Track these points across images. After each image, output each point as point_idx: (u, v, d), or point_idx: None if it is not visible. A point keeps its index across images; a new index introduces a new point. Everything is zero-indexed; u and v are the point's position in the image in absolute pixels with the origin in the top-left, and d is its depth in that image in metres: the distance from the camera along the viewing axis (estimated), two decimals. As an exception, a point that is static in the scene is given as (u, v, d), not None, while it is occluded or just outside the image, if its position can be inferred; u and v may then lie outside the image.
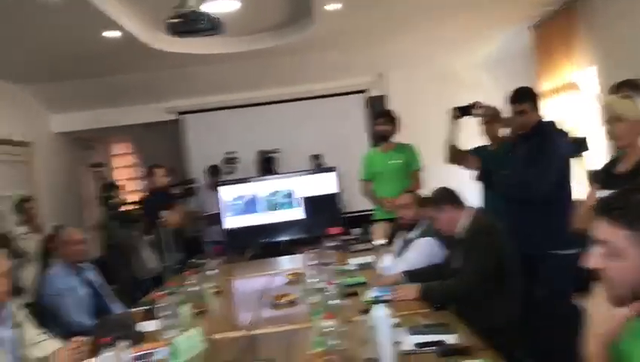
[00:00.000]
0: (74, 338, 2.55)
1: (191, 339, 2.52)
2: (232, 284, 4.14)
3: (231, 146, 6.88)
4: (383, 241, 4.18)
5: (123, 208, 4.88)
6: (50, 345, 2.73)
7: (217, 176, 6.55)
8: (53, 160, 7.15)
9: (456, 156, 3.95)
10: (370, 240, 4.96)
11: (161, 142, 7.64)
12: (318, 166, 6.56)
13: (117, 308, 3.87)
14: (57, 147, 7.35)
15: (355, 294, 3.08)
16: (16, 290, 2.77)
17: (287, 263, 4.80)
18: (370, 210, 5.39)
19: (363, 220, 5.78)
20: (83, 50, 5.32)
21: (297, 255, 5.11)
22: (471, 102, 3.86)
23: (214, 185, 6.33)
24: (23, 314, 2.76)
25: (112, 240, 4.56)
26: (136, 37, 5.11)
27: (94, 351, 2.52)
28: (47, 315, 3.38)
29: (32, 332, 2.75)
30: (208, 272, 3.88)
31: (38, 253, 5.00)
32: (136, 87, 6.72)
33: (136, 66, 6.19)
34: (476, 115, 3.82)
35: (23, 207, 5.24)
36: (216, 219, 6.16)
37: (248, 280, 4.33)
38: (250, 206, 5.78)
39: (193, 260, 5.31)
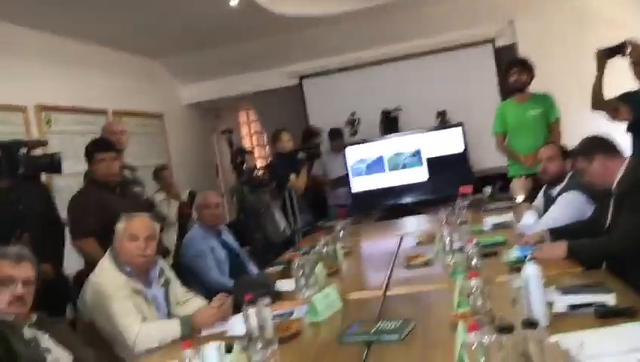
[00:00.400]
0: (217, 296, 2.66)
1: (328, 298, 2.53)
2: (360, 246, 4.12)
3: (353, 107, 6.83)
4: (522, 198, 3.95)
5: (253, 173, 5.01)
6: (195, 302, 2.88)
7: (340, 138, 6.54)
8: (184, 130, 7.53)
9: (604, 104, 3.61)
10: (503, 199, 4.73)
11: (283, 108, 7.77)
12: (444, 123, 6.32)
13: (252, 269, 4.02)
14: (187, 117, 7.72)
15: (495, 254, 2.93)
16: (163, 252, 2.93)
17: (415, 224, 4.70)
18: (501, 167, 5.13)
19: (494, 178, 5.52)
20: (209, 20, 5.47)
21: (425, 216, 5.00)
22: (619, 42, 3.49)
23: (338, 148, 6.33)
24: (172, 273, 2.93)
25: (244, 204, 4.71)
26: (257, 2, 5.17)
27: (236, 309, 2.62)
28: (188, 275, 3.57)
29: (179, 290, 2.91)
30: (338, 233, 3.89)
31: (177, 218, 5.33)
32: (258, 53, 6.85)
33: (257, 33, 6.29)
34: (627, 56, 3.44)
35: (160, 175, 5.57)
36: (340, 181, 6.17)
37: (377, 242, 4.30)
38: (375, 167, 5.71)
39: (320, 223, 5.40)
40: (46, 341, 2.24)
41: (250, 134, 9.92)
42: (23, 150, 3.01)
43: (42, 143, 3.22)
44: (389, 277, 2.94)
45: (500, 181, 5.28)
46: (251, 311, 2.08)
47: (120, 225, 2.71)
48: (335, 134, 6.58)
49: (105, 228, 3.48)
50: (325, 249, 3.50)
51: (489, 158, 6.03)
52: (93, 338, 2.59)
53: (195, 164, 7.47)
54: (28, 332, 2.18)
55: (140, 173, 4.59)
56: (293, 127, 6.18)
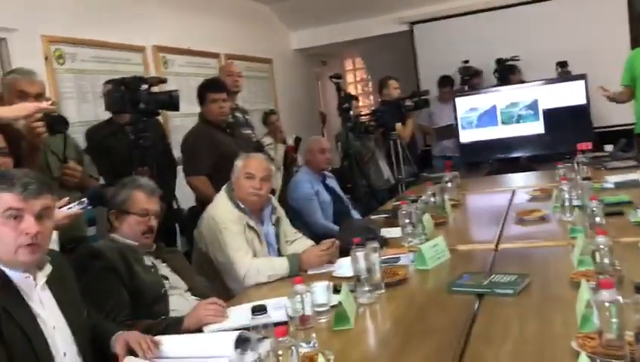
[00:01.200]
0: (325, 240, 2.69)
1: (436, 247, 2.48)
2: (469, 199, 4.00)
3: (465, 55, 6.53)
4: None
5: (359, 120, 4.97)
6: (303, 243, 2.93)
7: (450, 87, 6.31)
8: (291, 75, 7.58)
9: None
10: (628, 157, 4.39)
11: (391, 55, 7.59)
12: (564, 74, 5.90)
13: (355, 215, 4.03)
14: (295, 63, 7.75)
15: (620, 214, 2.73)
16: (272, 192, 2.98)
17: (528, 180, 4.48)
18: (627, 125, 4.75)
19: (616, 135, 5.12)
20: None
21: (538, 172, 4.75)
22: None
23: (447, 97, 6.11)
24: (282, 212, 2.99)
25: (349, 150, 4.69)
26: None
27: (341, 253, 2.64)
28: (293, 217, 3.63)
29: (288, 229, 2.97)
30: (445, 185, 3.79)
31: (283, 161, 5.42)
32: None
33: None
34: None
35: (269, 120, 5.66)
36: (446, 132, 5.98)
37: (486, 196, 4.14)
38: (487, 118, 5.45)
39: (425, 174, 5.29)
40: (164, 269, 2.37)
41: (356, 81, 9.82)
42: (144, 86, 3.14)
43: (162, 80, 3.33)
44: (500, 231, 2.83)
45: (624, 139, 4.90)
46: (360, 254, 2.08)
47: (238, 163, 2.78)
48: (445, 82, 6.34)
49: (216, 166, 3.63)
50: (433, 199, 3.43)
51: (612, 114, 5.60)
52: (206, 268, 2.72)
53: (300, 110, 7.53)
54: (148, 260, 2.32)
55: (248, 117, 4.68)
56: (400, 74, 6.03)
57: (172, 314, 2.19)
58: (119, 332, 1.78)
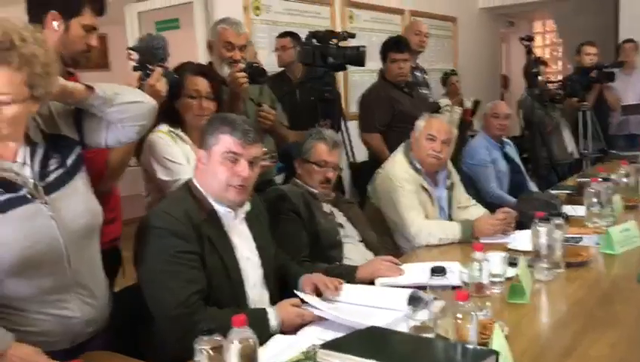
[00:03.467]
0: (502, 209, 2.62)
1: (627, 233, 2.30)
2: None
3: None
4: None
5: (546, 87, 4.66)
6: (476, 210, 2.89)
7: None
8: (475, 36, 7.27)
9: None
10: None
11: (588, 18, 6.94)
12: None
13: (532, 187, 3.84)
14: (480, 23, 7.42)
15: None
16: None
17: None
18: None
19: None
20: None
21: None
22: None
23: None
24: (457, 178, 2.96)
25: (532, 119, 4.44)
26: None
27: (517, 226, 2.55)
28: (466, 184, 3.56)
29: (462, 195, 2.94)
30: (640, 165, 3.45)
31: (457, 125, 5.29)
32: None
33: None
34: None
35: (448, 81, 5.52)
36: (636, 109, 5.36)
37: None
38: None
39: (614, 151, 4.84)
40: (340, 217, 2.49)
41: (545, 45, 9.18)
42: (334, 41, 3.22)
43: (351, 35, 3.38)
44: None
45: None
46: (542, 229, 2.00)
47: (420, 123, 2.78)
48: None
49: (391, 125, 3.66)
50: (625, 180, 3.15)
51: None
52: (377, 224, 2.79)
53: (481, 72, 7.24)
54: (326, 207, 2.44)
55: (426, 76, 4.62)
56: (597, 40, 5.50)
57: (345, 261, 2.31)
58: (306, 275, 1.92)
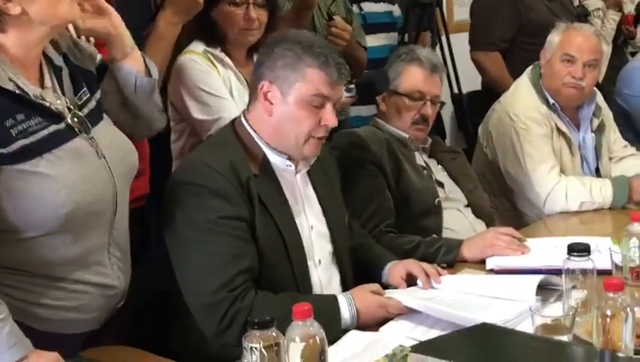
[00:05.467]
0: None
1: None
2: None
3: None
4: None
5: None
6: (636, 162, 2.83)
7: None
8: None
9: None
10: None
11: None
12: None
13: None
14: None
15: None
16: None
17: None
18: None
19: None
20: None
21: None
22: None
23: None
24: (610, 115, 2.91)
25: None
26: None
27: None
28: (622, 124, 3.47)
29: (615, 141, 2.90)
30: None
31: (614, 37, 5.11)
32: None
33: None
34: None
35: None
36: None
37: None
38: None
39: None
40: (439, 172, 2.49)
41: None
42: None
43: None
44: None
45: None
46: None
47: (554, 38, 2.70)
48: None
49: (517, 40, 3.57)
50: None
51: None
52: (489, 181, 2.78)
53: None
54: (420, 159, 2.44)
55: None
56: None
57: (445, 233, 2.32)
58: (395, 261, 1.95)
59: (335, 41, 2.65)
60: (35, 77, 1.54)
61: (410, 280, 1.89)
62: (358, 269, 1.98)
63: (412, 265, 1.91)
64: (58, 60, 1.61)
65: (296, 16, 2.51)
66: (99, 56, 1.76)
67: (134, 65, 1.70)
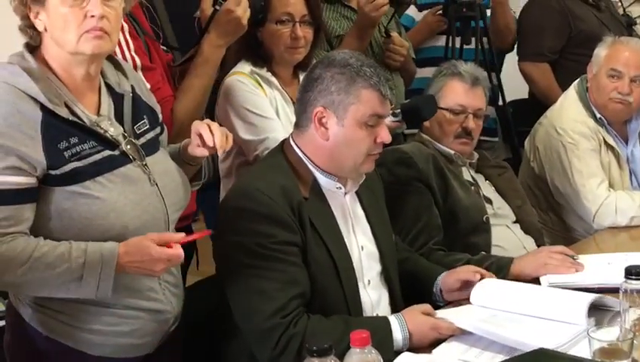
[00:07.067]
0: None
1: None
2: None
3: None
4: None
5: None
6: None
7: None
8: None
9: None
10: None
11: None
12: None
13: None
14: None
15: None
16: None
17: None
18: None
19: None
20: None
21: None
22: None
23: None
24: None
25: None
26: None
27: None
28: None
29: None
30: None
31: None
32: None
33: None
34: None
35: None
36: None
37: None
38: None
39: None
40: (487, 188, 2.47)
41: None
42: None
43: None
44: None
45: None
46: None
47: (601, 51, 2.68)
48: None
49: (565, 51, 3.53)
50: None
51: None
52: (537, 195, 2.76)
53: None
54: (467, 174, 2.43)
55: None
56: None
57: (494, 251, 2.30)
58: (446, 272, 1.95)
59: (393, 57, 2.69)
60: (92, 104, 1.59)
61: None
62: (405, 283, 1.98)
63: (464, 272, 1.93)
64: (120, 88, 1.65)
65: (359, 34, 2.55)
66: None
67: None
